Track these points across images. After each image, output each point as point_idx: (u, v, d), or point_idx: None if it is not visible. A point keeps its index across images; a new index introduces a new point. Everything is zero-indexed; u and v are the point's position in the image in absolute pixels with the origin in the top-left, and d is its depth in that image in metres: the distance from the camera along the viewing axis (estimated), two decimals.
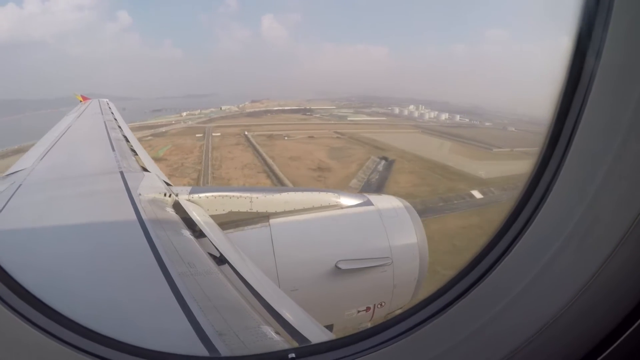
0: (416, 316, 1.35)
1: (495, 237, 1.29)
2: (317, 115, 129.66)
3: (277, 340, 1.75)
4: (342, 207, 4.20)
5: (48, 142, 6.71)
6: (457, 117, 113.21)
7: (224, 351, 1.59)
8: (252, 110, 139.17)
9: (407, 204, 4.36)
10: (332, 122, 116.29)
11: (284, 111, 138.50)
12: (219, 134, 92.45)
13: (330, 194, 4.24)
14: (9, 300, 1.22)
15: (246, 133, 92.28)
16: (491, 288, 1.24)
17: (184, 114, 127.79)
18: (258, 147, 77.78)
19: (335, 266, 3.69)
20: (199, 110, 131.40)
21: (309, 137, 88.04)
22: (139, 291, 2.17)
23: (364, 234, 4.09)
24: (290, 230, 3.93)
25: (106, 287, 2.15)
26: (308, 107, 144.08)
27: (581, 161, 1.11)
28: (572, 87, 1.12)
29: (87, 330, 1.33)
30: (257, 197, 4.01)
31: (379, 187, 51.73)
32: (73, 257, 2.47)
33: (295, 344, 1.86)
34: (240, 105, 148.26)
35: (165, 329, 1.82)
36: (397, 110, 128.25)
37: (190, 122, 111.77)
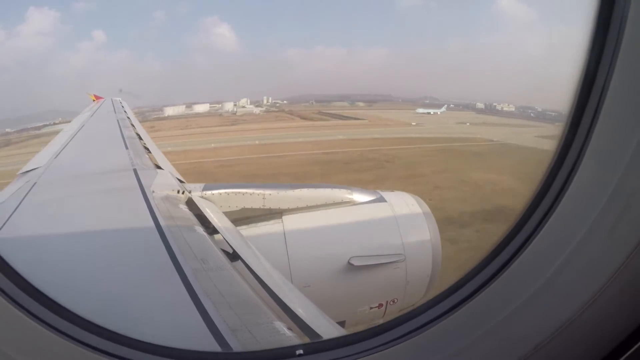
0: (427, 314, 1.31)
1: (512, 231, 1.24)
2: None
3: (289, 336, 1.75)
4: (354, 203, 4.18)
5: (62, 140, 6.82)
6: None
7: (236, 347, 1.60)
8: None
9: (420, 200, 4.32)
10: None
11: None
12: None
13: (343, 190, 4.22)
14: (20, 300, 1.22)
15: None
16: (504, 287, 1.19)
17: None
18: None
19: (348, 262, 3.67)
20: None
21: None
22: (153, 288, 2.19)
23: (376, 230, 4.07)
24: (303, 227, 3.92)
25: (120, 285, 2.17)
26: None
27: (605, 146, 1.06)
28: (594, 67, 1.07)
29: (100, 328, 1.33)
30: (270, 194, 4.01)
31: None
32: (86, 256, 2.52)
33: (308, 340, 1.85)
34: None
35: (179, 325, 1.84)
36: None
37: None
